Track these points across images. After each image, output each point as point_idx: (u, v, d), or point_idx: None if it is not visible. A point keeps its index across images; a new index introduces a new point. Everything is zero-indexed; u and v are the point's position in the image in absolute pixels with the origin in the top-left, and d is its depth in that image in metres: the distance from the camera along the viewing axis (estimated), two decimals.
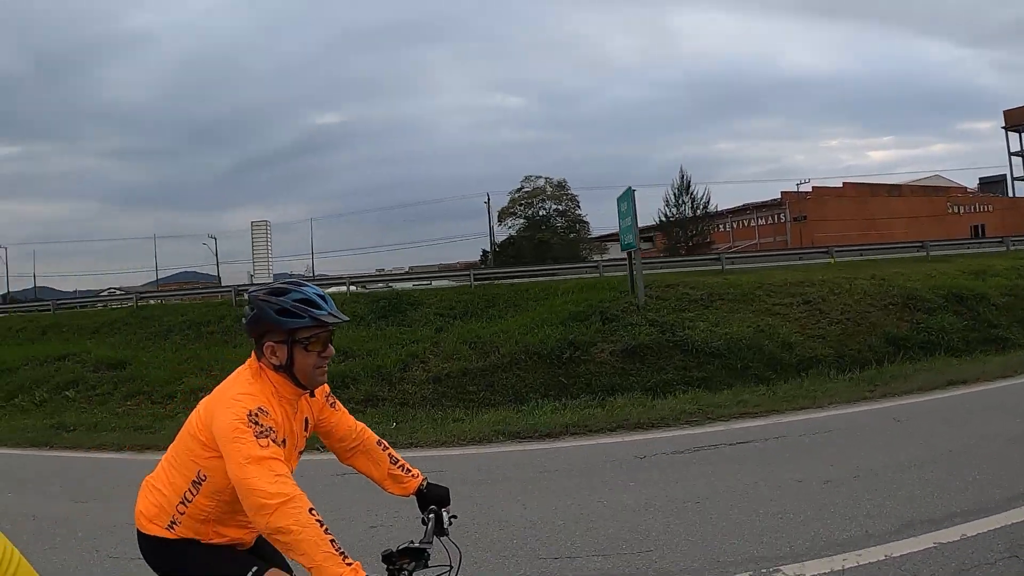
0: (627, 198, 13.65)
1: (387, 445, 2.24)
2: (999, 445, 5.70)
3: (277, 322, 1.86)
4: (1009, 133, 55.58)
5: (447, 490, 2.19)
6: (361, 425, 2.22)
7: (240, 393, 1.83)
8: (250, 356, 1.97)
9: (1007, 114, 55.20)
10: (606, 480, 5.67)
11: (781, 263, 19.12)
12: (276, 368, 1.90)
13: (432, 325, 14.27)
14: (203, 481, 1.85)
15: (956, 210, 47.19)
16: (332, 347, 1.95)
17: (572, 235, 46.56)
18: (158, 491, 1.92)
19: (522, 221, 47.10)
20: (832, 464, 5.55)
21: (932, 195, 48.74)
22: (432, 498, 2.14)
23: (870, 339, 11.74)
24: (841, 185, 49.20)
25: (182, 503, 1.88)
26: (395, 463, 2.20)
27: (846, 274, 14.40)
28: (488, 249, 46.71)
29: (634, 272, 13.50)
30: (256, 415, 1.75)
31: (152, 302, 21.88)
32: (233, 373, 1.96)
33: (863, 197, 46.26)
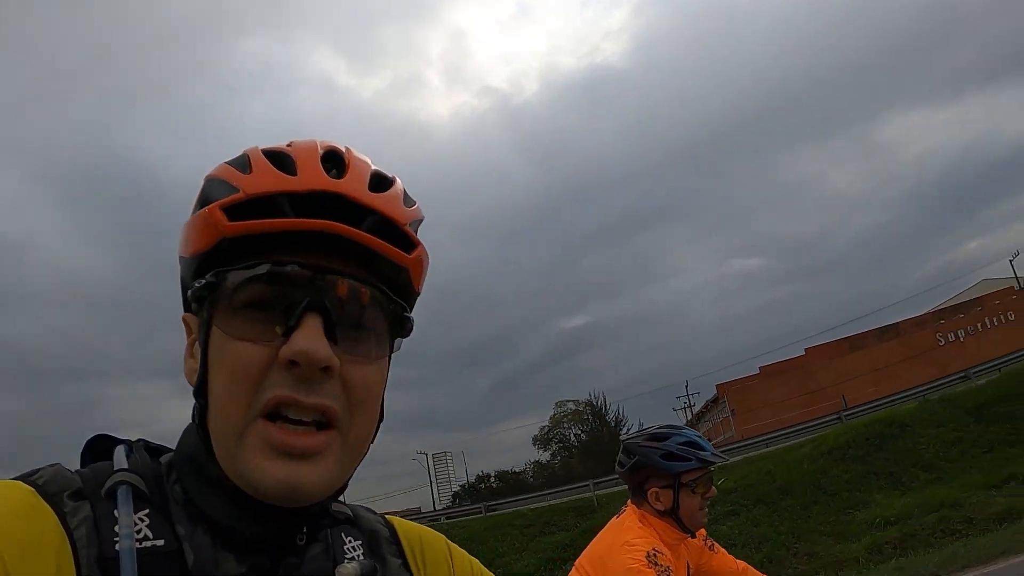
0: None
1: None
2: None
3: (663, 467, 1.87)
4: None
5: None
6: (743, 564, 2.14)
7: (633, 538, 1.82)
8: (625, 505, 1.98)
9: None
10: None
11: None
12: (660, 514, 1.89)
13: None
14: None
15: None
16: (714, 487, 1.94)
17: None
18: None
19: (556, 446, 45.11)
20: None
21: None
22: None
23: None
24: None
25: None
26: None
27: None
28: None
29: None
30: (654, 555, 1.74)
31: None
32: (610, 524, 1.96)
33: None
